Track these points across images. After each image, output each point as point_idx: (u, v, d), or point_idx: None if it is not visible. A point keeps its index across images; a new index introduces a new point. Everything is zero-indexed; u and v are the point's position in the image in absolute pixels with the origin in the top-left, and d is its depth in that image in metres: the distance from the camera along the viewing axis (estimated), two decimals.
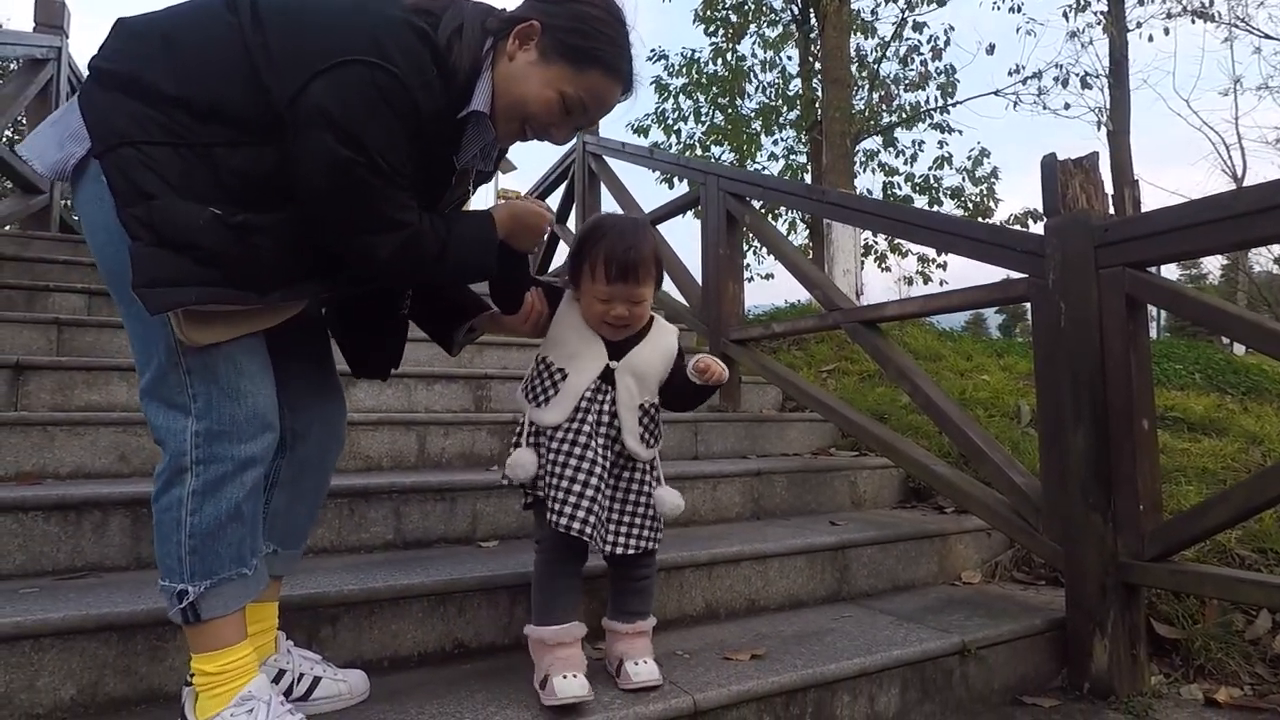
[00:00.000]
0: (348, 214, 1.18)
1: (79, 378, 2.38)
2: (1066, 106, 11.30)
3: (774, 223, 10.87)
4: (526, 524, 2.08)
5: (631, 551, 1.49)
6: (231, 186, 1.14)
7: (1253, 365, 5.12)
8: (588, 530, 1.41)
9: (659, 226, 4.17)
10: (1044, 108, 9.77)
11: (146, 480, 1.73)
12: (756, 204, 3.67)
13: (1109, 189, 2.15)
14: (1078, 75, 9.96)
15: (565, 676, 1.38)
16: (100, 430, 2.12)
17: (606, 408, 1.49)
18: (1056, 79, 10.11)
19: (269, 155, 1.16)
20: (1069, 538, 1.97)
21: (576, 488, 1.42)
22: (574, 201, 5.34)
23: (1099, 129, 9.96)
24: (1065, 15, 10.19)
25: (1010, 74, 10.50)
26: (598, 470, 1.45)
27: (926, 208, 10.11)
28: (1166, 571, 1.83)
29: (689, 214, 5.53)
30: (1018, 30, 11.45)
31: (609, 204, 4.97)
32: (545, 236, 1.37)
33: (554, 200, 5.69)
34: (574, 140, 5.27)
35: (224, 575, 1.18)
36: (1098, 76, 9.74)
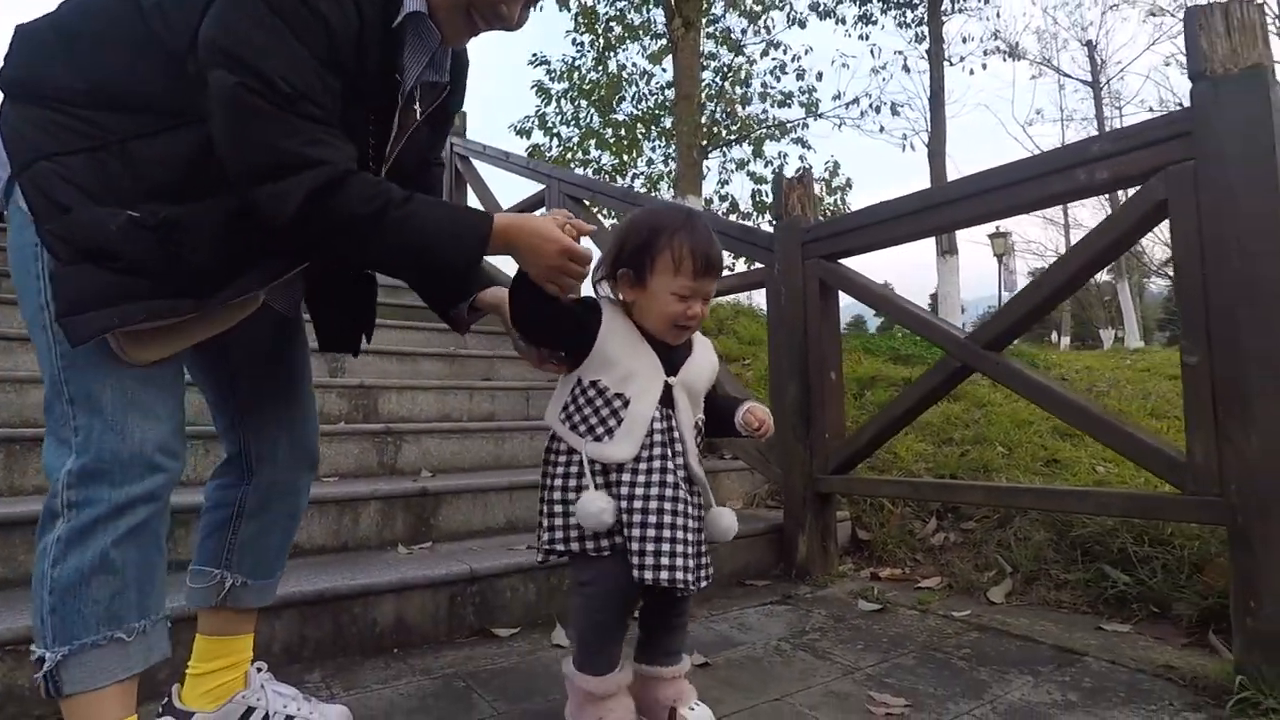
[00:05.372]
0: (246, 156, 0.99)
1: None
2: (881, 129, 13.14)
3: None
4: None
5: (704, 584, 1.29)
6: (155, 180, 1.02)
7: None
8: (691, 579, 1.25)
9: None
10: (866, 130, 11.27)
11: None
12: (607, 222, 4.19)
13: None
14: (886, 104, 11.62)
15: None
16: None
17: (671, 432, 1.31)
18: (871, 105, 11.70)
19: (186, 136, 1.02)
20: (785, 464, 2.62)
21: (672, 533, 1.24)
22: None
23: (904, 150, 11.51)
24: (871, 53, 11.97)
25: (834, 99, 11.92)
26: (691, 510, 1.28)
27: None
28: (840, 480, 2.51)
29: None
30: (832, 63, 13.09)
31: (474, 204, 5.41)
32: (578, 278, 1.25)
33: None
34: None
35: (87, 640, 1.00)
36: (904, 105, 11.38)
